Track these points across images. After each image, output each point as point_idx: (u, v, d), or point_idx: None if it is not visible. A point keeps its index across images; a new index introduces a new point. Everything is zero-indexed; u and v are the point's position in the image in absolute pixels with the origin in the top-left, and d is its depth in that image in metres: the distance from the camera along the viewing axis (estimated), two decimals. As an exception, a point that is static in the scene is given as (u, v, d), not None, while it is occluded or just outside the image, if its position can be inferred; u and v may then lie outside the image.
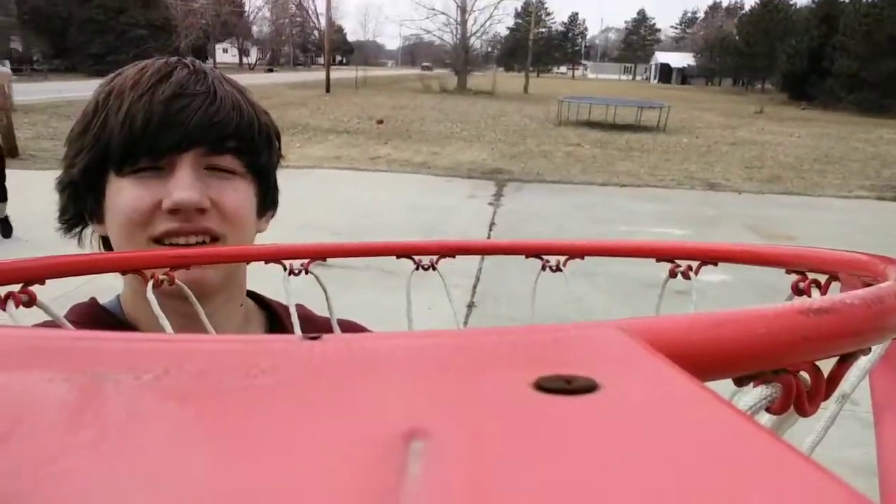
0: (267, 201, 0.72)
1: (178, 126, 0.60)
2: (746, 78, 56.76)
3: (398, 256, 0.64)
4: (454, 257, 0.65)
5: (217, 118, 0.62)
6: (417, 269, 0.65)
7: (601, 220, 7.74)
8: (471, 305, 4.74)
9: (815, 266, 0.41)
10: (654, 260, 0.56)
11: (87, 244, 0.71)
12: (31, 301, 0.47)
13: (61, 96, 20.60)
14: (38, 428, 0.11)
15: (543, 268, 0.63)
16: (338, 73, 44.12)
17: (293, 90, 30.11)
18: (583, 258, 0.62)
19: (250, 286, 0.78)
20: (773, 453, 0.10)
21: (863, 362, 0.25)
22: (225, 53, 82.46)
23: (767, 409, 0.19)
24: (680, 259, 0.55)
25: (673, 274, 0.55)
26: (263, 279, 0.73)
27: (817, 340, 0.18)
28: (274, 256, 0.60)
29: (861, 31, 30.08)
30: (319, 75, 38.52)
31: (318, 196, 7.98)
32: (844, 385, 0.24)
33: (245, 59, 78.92)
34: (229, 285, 0.70)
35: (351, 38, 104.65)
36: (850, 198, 9.88)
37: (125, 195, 0.62)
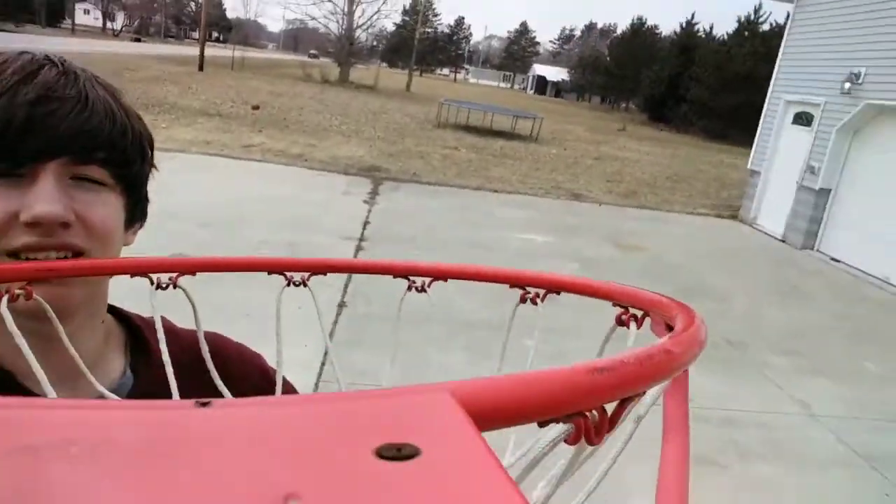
0: (136, 213, 0.67)
1: (44, 132, 0.55)
2: (613, 97, 60.68)
3: (269, 273, 0.65)
4: (325, 274, 0.68)
5: (88, 126, 0.57)
6: (289, 285, 0.66)
7: (473, 223, 7.99)
8: (342, 305, 4.74)
9: (632, 303, 0.50)
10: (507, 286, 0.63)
11: None
12: None
13: None
14: None
15: (409, 288, 0.68)
16: (213, 51, 41.83)
17: (162, 64, 28.20)
18: (446, 280, 0.67)
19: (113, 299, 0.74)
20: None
21: (650, 397, 0.32)
22: (86, 15, 75.40)
23: (565, 441, 0.25)
24: (530, 287, 0.62)
25: (523, 299, 0.62)
26: (120, 287, 0.73)
27: (601, 393, 0.25)
28: (142, 270, 0.60)
29: (713, 65, 33.23)
30: (193, 51, 36.34)
31: (186, 183, 7.58)
32: (640, 408, 0.31)
33: (109, 24, 72.63)
34: (91, 302, 0.65)
35: (231, 14, 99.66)
36: (694, 214, 10.92)
37: None
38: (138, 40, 61.80)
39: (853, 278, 7.98)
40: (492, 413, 0.20)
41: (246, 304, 3.87)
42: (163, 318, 0.72)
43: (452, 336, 4.45)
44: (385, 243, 6.56)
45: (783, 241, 9.57)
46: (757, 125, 10.93)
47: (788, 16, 10.65)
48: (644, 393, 0.30)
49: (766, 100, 10.71)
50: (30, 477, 0.13)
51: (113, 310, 0.74)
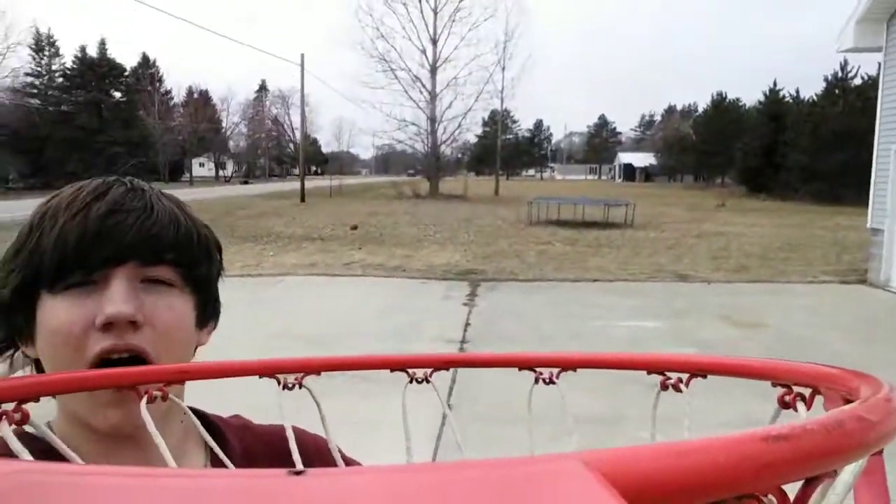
0: (207, 313, 0.70)
1: (113, 240, 0.60)
2: (706, 174, 59.43)
3: (392, 370, 0.64)
4: (448, 370, 0.65)
5: (154, 231, 0.62)
6: (411, 381, 0.64)
7: (575, 315, 7.78)
8: (448, 407, 4.65)
9: (794, 379, 0.43)
10: (644, 372, 0.57)
11: (17, 368, 0.68)
12: (24, 419, 0.46)
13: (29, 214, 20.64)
14: None
15: (537, 381, 0.62)
16: (313, 183, 45.17)
17: (268, 200, 30.63)
18: (575, 371, 0.62)
19: (228, 398, 0.75)
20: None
21: (846, 477, 0.25)
22: (201, 167, 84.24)
23: None
24: (671, 371, 0.55)
25: (664, 386, 0.55)
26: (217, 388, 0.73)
27: (778, 467, 0.19)
28: (270, 371, 0.60)
29: (807, 128, 32.10)
30: (295, 185, 39.41)
31: (293, 303, 7.94)
32: (834, 500, 0.24)
33: (221, 172, 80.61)
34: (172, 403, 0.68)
35: (326, 149, 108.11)
36: (816, 283, 10.13)
37: (58, 314, 0.60)
38: (246, 182, 67.99)
39: None
40: (636, 491, 0.16)
41: (354, 414, 3.87)
42: (238, 416, 0.75)
43: (560, 434, 4.21)
44: (487, 343, 6.48)
45: (926, 301, 8.63)
46: (869, 181, 10.25)
47: (880, 66, 10.21)
48: (835, 474, 0.23)
49: (875, 152, 10.08)
50: None
51: (192, 410, 0.75)
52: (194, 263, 0.66)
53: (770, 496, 0.20)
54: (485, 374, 4.89)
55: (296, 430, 0.77)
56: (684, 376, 0.54)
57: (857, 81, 32.07)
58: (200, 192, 39.81)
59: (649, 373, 0.56)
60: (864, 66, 31.64)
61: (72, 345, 0.59)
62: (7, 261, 0.64)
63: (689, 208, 27.14)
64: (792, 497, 0.22)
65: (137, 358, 0.61)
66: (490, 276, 10.42)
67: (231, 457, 0.70)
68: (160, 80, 67.58)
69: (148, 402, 0.51)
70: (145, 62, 67.25)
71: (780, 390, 0.44)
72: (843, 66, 32.70)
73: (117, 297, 0.59)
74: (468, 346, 6.37)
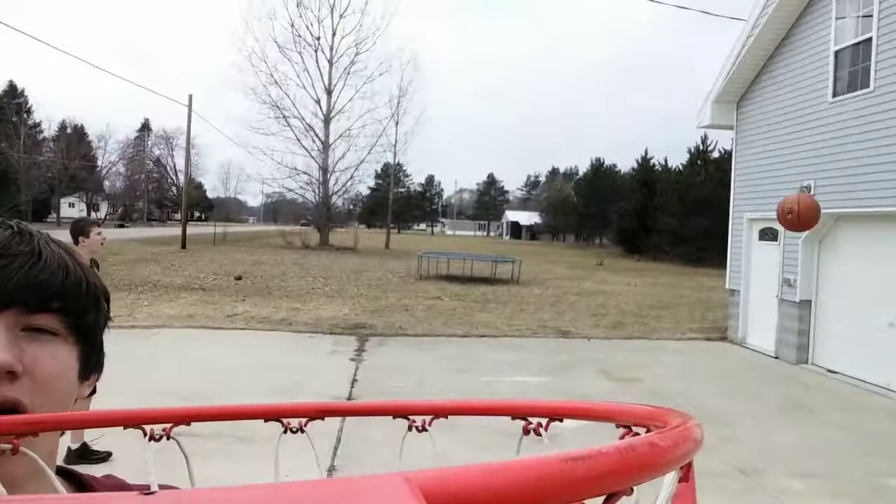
0: (90, 364, 0.67)
1: None
2: (586, 234, 62.96)
3: (266, 420, 0.63)
4: (322, 419, 0.65)
5: (41, 277, 0.59)
6: (286, 432, 0.64)
7: (463, 370, 7.85)
8: (331, 469, 4.49)
9: (632, 420, 0.48)
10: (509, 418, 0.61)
11: None
12: None
13: None
14: None
15: (410, 428, 0.65)
16: (195, 230, 43.18)
17: (146, 246, 28.90)
18: (447, 418, 0.65)
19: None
20: None
21: (661, 500, 0.30)
22: (71, 208, 78.38)
23: None
24: (531, 416, 0.59)
25: (526, 431, 0.59)
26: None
27: (577, 484, 0.22)
28: (136, 421, 0.58)
29: (674, 195, 35.01)
30: (176, 231, 37.48)
31: (167, 358, 7.45)
32: None
33: (94, 214, 75.32)
34: (49, 462, 0.63)
35: (211, 194, 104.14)
36: (684, 339, 10.88)
37: None
38: (122, 226, 63.86)
39: (854, 388, 7.83)
40: (446, 501, 0.18)
41: (234, 480, 3.64)
42: (111, 476, 0.72)
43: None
44: (374, 399, 6.37)
45: (776, 358, 9.49)
46: (728, 246, 11.28)
47: (733, 141, 11.39)
48: (632, 491, 0.27)
49: (730, 219, 11.14)
50: None
51: (61, 470, 0.71)
52: (81, 313, 0.63)
53: None
54: (371, 433, 4.78)
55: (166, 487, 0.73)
56: (543, 420, 0.59)
57: (716, 154, 35.55)
58: (68, 235, 36.81)
59: (513, 418, 0.61)
60: (721, 140, 35.15)
61: None
62: None
63: (570, 266, 28.50)
64: None
65: (10, 411, 0.57)
66: (379, 330, 10.33)
67: None
68: (28, 112, 62.95)
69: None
70: (12, 90, 62.52)
71: (622, 431, 0.49)
72: (704, 140, 36.17)
73: None
74: (373, 401, 6.22)
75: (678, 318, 13.13)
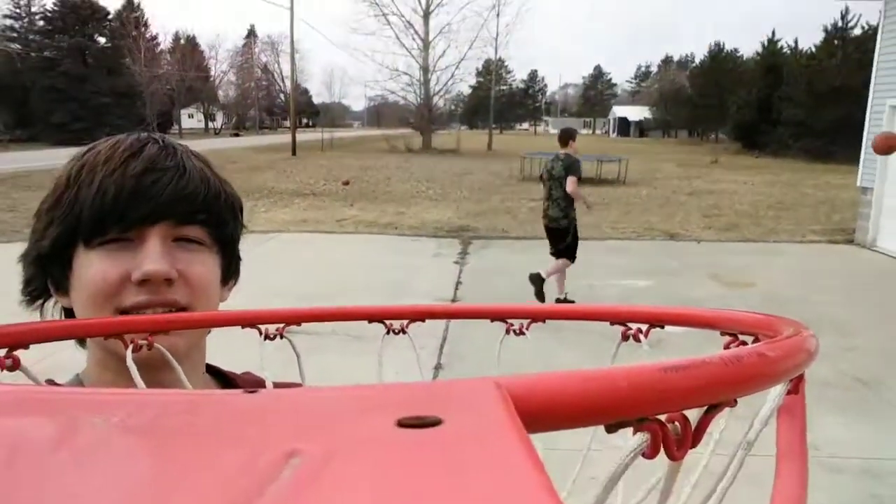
0: (230, 271, 0.75)
1: (149, 199, 0.63)
2: (701, 129, 59.00)
3: (370, 321, 0.67)
4: (423, 321, 0.68)
5: (186, 191, 0.65)
6: (388, 333, 0.67)
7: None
8: (437, 367, 4.73)
9: (739, 328, 0.46)
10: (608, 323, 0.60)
11: (48, 316, 0.71)
12: (14, 366, 0.49)
13: (21, 167, 20.37)
14: (31, 452, 0.14)
15: (508, 331, 0.67)
16: (304, 136, 44.57)
17: (259, 154, 30.26)
18: (544, 322, 0.66)
19: (223, 352, 0.81)
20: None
21: (765, 410, 0.28)
22: (190, 119, 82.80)
23: (643, 455, 0.22)
24: (631, 322, 0.58)
25: (625, 337, 0.58)
26: (228, 343, 0.78)
27: (674, 394, 0.21)
28: (250, 321, 0.63)
29: (803, 81, 31.73)
30: (286, 138, 38.90)
31: (284, 260, 7.95)
32: (750, 433, 0.28)
33: (211, 124, 79.30)
34: (193, 354, 0.71)
35: (317, 100, 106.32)
36: (805, 242, 10.21)
37: (94, 267, 0.63)
38: (237, 135, 66.96)
39: None
40: (543, 409, 0.18)
41: (347, 372, 3.93)
42: (250, 373, 0.81)
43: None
44: (477, 301, 6.54)
45: (911, 261, 8.74)
46: (861, 139, 10.23)
47: (881, 14, 10.03)
48: (735, 403, 0.26)
49: (868, 108, 10.02)
50: (67, 435, 0.15)
51: (210, 368, 0.81)
52: (222, 224, 0.70)
53: (675, 423, 0.22)
54: (475, 333, 4.96)
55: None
56: (644, 327, 0.57)
57: (857, 32, 31.49)
58: (191, 145, 39.13)
59: (612, 323, 0.59)
60: (865, 14, 30.98)
61: (105, 294, 0.63)
62: (44, 212, 0.67)
63: (682, 164, 27.06)
64: (694, 424, 0.24)
65: (171, 310, 0.65)
66: (482, 233, 10.44)
67: None
68: (145, 25, 65.70)
69: (134, 352, 0.54)
70: (129, 4, 65.13)
71: (727, 339, 0.46)
72: (844, 15, 32.04)
73: (154, 255, 0.63)
74: (471, 303, 6.43)
75: (799, 220, 12.28)
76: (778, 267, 8.42)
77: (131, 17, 61.90)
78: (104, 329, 0.57)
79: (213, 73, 78.49)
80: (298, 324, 0.65)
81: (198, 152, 0.72)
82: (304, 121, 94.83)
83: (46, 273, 0.69)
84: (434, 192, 16.14)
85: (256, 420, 0.17)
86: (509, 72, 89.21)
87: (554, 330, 5.16)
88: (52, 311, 0.71)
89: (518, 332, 0.66)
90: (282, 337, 0.65)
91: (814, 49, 33.98)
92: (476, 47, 37.91)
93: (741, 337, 0.45)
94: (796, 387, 0.31)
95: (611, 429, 0.21)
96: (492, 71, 52.45)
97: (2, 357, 0.49)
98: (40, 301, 0.71)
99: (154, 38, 68.07)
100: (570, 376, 0.20)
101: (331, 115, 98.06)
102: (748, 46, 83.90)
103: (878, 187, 9.70)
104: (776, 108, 34.12)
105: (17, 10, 49.78)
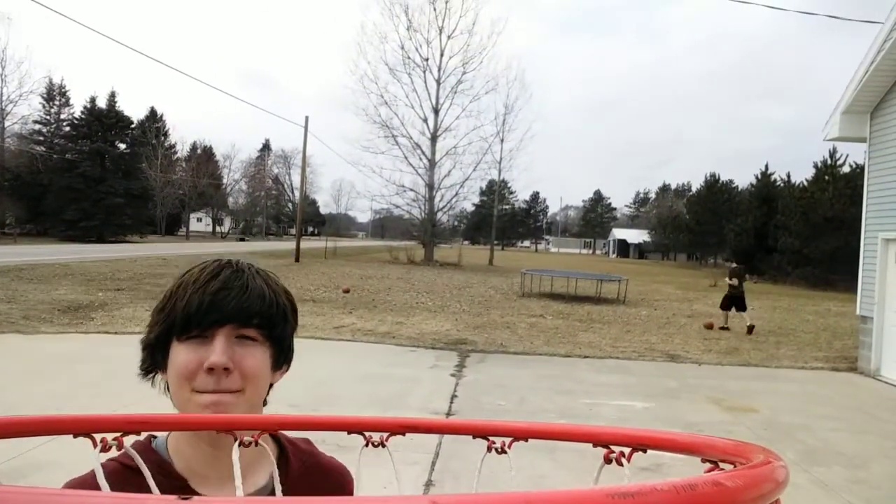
0: (280, 360, 0.95)
1: (219, 309, 0.85)
2: (699, 253, 59.93)
3: (349, 432, 0.65)
4: (404, 435, 0.66)
5: (246, 304, 0.87)
6: (367, 445, 0.66)
7: (565, 391, 7.67)
8: (428, 484, 4.51)
9: (717, 455, 0.45)
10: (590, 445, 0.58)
11: (157, 387, 0.92)
12: (119, 447, 0.59)
13: (26, 260, 20.58)
14: None
15: (490, 449, 0.63)
16: (309, 244, 45.30)
17: (263, 258, 30.60)
18: (527, 441, 0.63)
19: None
20: None
21: None
22: (199, 222, 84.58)
23: None
24: (612, 445, 0.56)
25: (608, 459, 0.56)
26: None
27: None
28: (225, 426, 0.63)
29: (798, 212, 32.62)
30: (290, 245, 39.49)
31: (278, 366, 7.80)
32: None
33: (218, 228, 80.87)
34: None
35: (324, 210, 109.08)
36: (807, 369, 10.06)
37: (181, 356, 0.85)
38: (243, 240, 68.25)
39: None
40: None
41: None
42: (307, 441, 1.06)
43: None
44: (473, 416, 6.35)
45: (917, 393, 8.56)
46: (858, 268, 10.36)
47: (866, 154, 10.48)
48: None
49: (862, 241, 10.23)
50: None
51: (273, 435, 0.98)
52: (273, 325, 0.90)
53: None
54: (467, 449, 4.77)
55: (316, 453, 1.05)
56: (626, 450, 0.55)
57: (846, 169, 32.80)
58: (197, 247, 39.81)
59: (595, 445, 0.57)
60: (852, 154, 32.47)
61: (185, 376, 0.85)
62: (155, 313, 0.91)
63: (681, 287, 27.24)
64: None
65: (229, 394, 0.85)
66: (480, 346, 10.33)
67: (289, 475, 0.95)
68: (165, 134, 68.74)
69: (240, 446, 0.61)
70: (152, 115, 68.57)
71: (708, 466, 0.45)
72: (832, 154, 33.52)
73: (218, 349, 0.84)
74: (454, 419, 6.24)
75: (800, 346, 12.18)
76: (780, 392, 8.24)
77: (153, 126, 64.96)
78: (75, 426, 0.58)
79: (225, 180, 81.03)
80: (275, 431, 0.66)
81: (262, 270, 0.95)
82: (311, 229, 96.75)
83: (153, 357, 0.90)
84: (434, 303, 16.15)
85: None
86: (512, 192, 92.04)
87: (550, 451, 4.97)
88: (160, 383, 0.92)
89: (500, 450, 0.63)
90: (256, 444, 0.64)
91: (806, 183, 35.23)
92: (480, 169, 39.37)
93: (721, 465, 0.44)
94: None
95: None
96: (495, 191, 54.13)
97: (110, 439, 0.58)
98: (151, 375, 0.92)
99: (172, 146, 71.09)
100: (512, 498, 0.19)
101: (336, 225, 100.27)
102: (742, 178, 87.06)
103: (877, 317, 9.69)
104: (772, 236, 34.86)
105: (47, 117, 52.30)
